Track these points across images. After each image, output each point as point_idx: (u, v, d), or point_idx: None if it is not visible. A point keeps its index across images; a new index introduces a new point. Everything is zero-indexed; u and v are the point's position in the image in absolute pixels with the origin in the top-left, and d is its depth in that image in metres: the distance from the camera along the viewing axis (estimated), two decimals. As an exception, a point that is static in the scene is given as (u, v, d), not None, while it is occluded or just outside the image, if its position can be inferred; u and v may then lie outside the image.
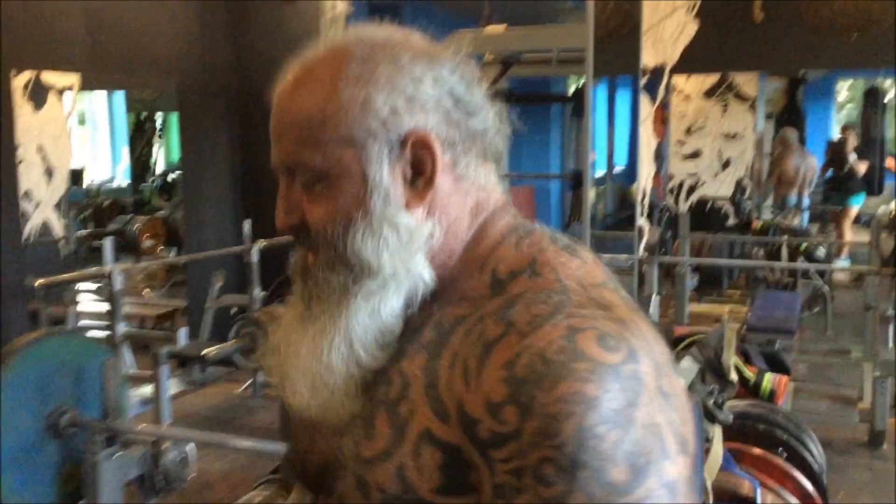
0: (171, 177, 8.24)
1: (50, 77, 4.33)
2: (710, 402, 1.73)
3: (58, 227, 4.38)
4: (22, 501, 2.51)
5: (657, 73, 4.55)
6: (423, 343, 0.77)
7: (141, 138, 8.37)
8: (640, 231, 4.65)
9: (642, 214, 4.66)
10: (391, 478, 0.73)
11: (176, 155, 8.40)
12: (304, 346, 0.80)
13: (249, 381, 4.88)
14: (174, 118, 7.90)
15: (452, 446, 0.71)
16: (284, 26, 5.61)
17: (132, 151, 8.38)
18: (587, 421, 0.65)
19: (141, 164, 8.35)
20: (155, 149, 8.57)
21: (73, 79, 4.48)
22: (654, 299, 4.53)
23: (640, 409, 0.67)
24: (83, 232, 6.76)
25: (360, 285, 0.78)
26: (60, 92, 4.41)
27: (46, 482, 2.56)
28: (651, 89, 4.61)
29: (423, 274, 0.79)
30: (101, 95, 8.10)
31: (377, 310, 0.78)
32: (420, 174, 0.79)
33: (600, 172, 10.87)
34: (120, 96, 8.23)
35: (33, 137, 4.22)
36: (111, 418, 2.50)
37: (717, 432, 1.82)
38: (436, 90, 0.79)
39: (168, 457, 2.47)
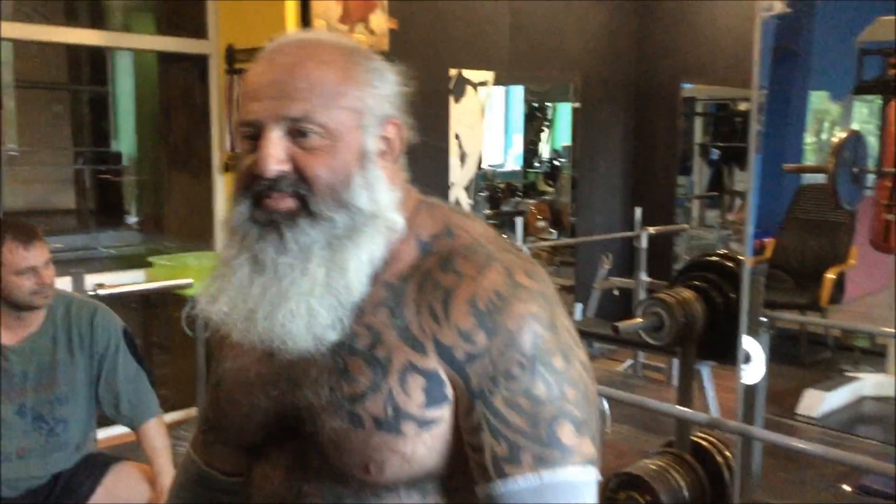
0: (556, 163, 8.75)
1: (470, 73, 4.92)
2: None
3: (466, 206, 4.93)
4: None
5: None
6: (378, 300, 0.95)
7: (531, 127, 8.98)
8: None
9: None
10: (382, 404, 0.92)
11: (559, 143, 8.88)
12: (301, 280, 0.93)
13: (631, 362, 5.13)
14: (563, 108, 8.36)
15: (431, 371, 0.92)
16: (688, 22, 5.73)
17: (523, 139, 9.02)
18: (536, 330, 0.91)
19: (529, 151, 8.96)
20: (543, 136, 9.13)
21: (489, 75, 5.04)
22: None
23: (558, 317, 0.94)
24: (485, 212, 7.45)
25: (358, 226, 0.95)
26: (475, 86, 4.99)
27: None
28: None
29: (399, 222, 0.98)
30: (499, 88, 8.77)
31: (370, 246, 0.95)
32: (387, 150, 0.99)
33: None
34: (516, 88, 8.87)
35: (451, 126, 4.85)
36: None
37: None
38: (395, 93, 1.00)
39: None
